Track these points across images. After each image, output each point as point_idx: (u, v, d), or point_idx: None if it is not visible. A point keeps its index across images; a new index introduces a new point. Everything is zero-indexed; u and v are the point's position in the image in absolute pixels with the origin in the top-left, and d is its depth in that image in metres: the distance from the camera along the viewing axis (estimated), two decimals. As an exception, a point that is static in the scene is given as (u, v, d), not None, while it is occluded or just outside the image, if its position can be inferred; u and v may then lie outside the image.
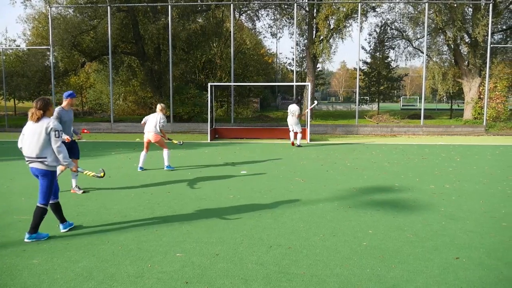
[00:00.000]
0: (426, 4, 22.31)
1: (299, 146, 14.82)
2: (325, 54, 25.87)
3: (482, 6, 23.88)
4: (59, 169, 6.54)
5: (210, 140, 16.72)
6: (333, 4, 24.32)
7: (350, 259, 4.43)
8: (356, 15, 23.15)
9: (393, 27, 30.98)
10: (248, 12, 29.25)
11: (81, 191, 7.41)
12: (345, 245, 4.85)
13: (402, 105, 57.56)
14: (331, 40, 26.38)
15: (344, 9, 24.05)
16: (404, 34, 30.24)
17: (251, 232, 5.27)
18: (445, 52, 29.21)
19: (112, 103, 23.71)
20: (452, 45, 26.72)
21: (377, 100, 34.29)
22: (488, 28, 22.29)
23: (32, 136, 4.84)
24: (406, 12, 27.50)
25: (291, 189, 7.76)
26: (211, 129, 17.27)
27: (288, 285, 3.82)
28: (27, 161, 4.92)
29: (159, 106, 9.73)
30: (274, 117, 29.46)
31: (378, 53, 32.83)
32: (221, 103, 31.71)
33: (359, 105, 26.44)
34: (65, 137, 6.58)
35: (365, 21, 26.70)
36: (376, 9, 27.77)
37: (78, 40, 24.66)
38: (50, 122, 4.85)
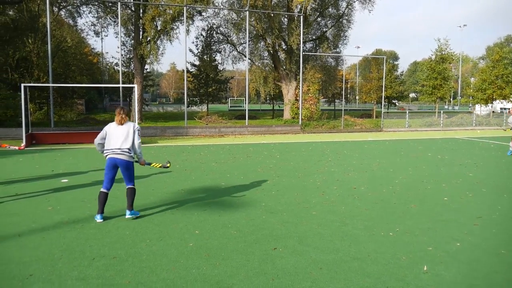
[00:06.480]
0: (247, 12, 23.79)
1: None
2: (153, 55, 25.58)
3: (295, 18, 26.49)
4: None
5: (26, 147, 15.01)
6: (160, 5, 24.18)
7: (177, 261, 4.47)
8: (183, 18, 23.40)
9: (218, 32, 32.28)
10: (68, 7, 27.13)
11: None
12: (171, 248, 4.87)
13: (230, 106, 60.53)
14: (158, 42, 26.19)
15: (171, 12, 24.11)
16: (229, 38, 31.78)
17: (71, 245, 4.91)
18: (266, 58, 31.66)
19: None
20: (271, 51, 29.08)
21: (206, 101, 35.28)
22: (300, 37, 24.85)
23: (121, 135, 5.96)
24: (230, 18, 28.97)
25: (117, 195, 7.42)
26: (27, 135, 15.56)
27: (112, 297, 3.68)
28: (114, 152, 5.95)
29: None
30: (101, 119, 27.98)
31: (205, 56, 33.81)
32: (39, 105, 28.77)
33: (188, 106, 26.85)
34: None
35: (191, 24, 27.18)
36: (202, 13, 28.55)
37: None
38: (135, 124, 6.12)
